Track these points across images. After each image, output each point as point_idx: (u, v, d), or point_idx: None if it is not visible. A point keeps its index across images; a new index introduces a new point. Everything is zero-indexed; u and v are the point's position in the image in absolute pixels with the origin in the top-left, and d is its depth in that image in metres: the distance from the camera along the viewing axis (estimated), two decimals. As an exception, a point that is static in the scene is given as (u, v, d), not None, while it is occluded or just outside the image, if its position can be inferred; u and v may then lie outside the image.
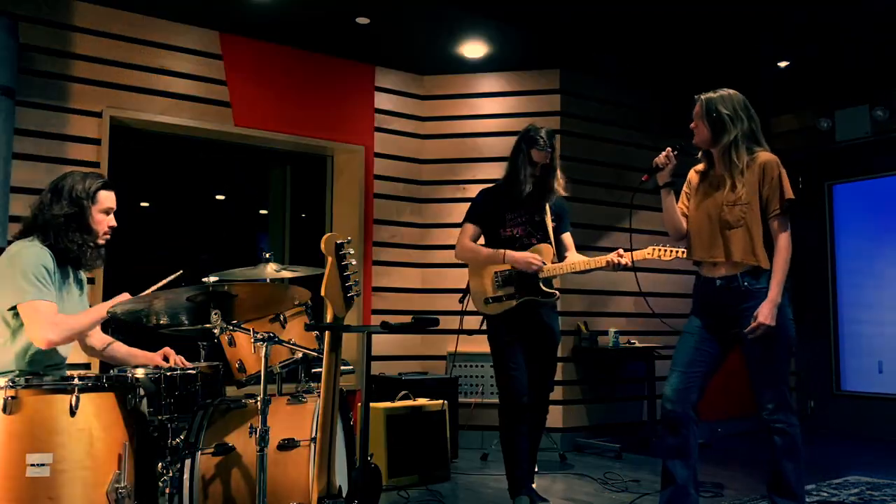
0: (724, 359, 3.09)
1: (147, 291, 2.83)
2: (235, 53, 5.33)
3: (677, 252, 3.51)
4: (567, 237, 3.88)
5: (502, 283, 3.67)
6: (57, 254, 2.70)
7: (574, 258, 3.82)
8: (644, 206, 6.35)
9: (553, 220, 3.80)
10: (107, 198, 2.81)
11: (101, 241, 2.81)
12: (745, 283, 2.95)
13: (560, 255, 3.83)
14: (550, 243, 3.72)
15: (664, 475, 3.04)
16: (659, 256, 3.48)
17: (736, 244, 2.96)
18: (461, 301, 3.86)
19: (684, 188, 3.26)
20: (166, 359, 3.07)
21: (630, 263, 3.47)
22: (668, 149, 3.14)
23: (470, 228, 3.80)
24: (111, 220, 2.83)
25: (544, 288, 3.65)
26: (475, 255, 3.75)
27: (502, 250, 3.66)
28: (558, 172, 3.76)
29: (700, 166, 3.21)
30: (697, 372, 3.03)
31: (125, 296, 2.71)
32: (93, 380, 2.36)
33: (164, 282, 2.93)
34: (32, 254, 2.64)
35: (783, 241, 2.94)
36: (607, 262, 3.54)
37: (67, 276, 2.79)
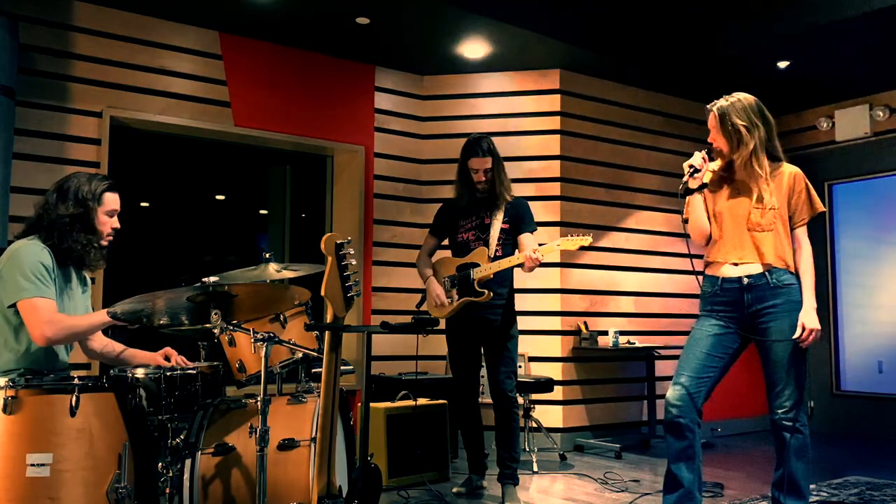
0: (737, 357, 3.06)
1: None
2: (235, 53, 5.33)
3: (581, 240, 3.66)
4: (525, 238, 4.00)
5: (448, 287, 4.02)
6: (60, 253, 2.72)
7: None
8: (645, 206, 6.36)
9: (507, 223, 3.99)
10: (112, 199, 2.86)
11: (104, 243, 2.85)
12: (774, 280, 2.96)
13: None
14: (488, 246, 3.95)
15: (669, 479, 3.00)
16: (566, 248, 3.70)
17: (767, 246, 2.98)
18: (418, 306, 4.15)
19: None
20: (167, 359, 3.08)
21: (542, 258, 3.72)
22: (703, 153, 3.08)
23: (428, 240, 4.23)
24: (115, 222, 2.88)
25: (477, 289, 3.92)
26: (418, 270, 4.17)
27: (427, 274, 4.06)
28: (502, 176, 4.00)
29: (716, 169, 3.18)
30: (708, 375, 2.99)
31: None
32: (93, 380, 2.36)
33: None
34: (31, 252, 2.65)
35: (808, 248, 3.03)
36: (527, 258, 3.75)
37: (69, 275, 2.80)
